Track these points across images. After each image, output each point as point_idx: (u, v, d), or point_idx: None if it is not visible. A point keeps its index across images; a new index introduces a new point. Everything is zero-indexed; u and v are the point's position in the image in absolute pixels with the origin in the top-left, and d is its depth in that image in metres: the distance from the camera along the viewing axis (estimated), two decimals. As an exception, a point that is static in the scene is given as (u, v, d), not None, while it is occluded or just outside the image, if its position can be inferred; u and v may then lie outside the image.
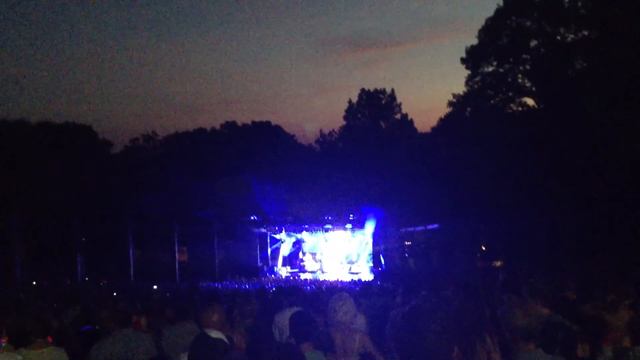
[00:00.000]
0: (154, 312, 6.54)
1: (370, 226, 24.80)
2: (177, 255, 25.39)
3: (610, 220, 20.31)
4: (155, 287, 12.15)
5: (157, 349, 4.39)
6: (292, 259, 27.27)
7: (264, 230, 26.85)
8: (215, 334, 2.99)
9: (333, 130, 47.72)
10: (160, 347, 4.46)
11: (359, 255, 25.89)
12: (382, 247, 25.38)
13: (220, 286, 19.64)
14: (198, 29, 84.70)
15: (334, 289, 11.75)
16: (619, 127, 19.53)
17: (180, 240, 26.11)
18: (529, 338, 3.25)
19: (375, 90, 46.33)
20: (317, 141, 48.57)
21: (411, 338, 1.86)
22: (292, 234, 27.01)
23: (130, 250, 24.48)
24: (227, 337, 4.03)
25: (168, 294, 11.79)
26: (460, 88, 31.57)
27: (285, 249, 27.35)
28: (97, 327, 5.15)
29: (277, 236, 27.18)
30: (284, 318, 5.24)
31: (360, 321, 6.47)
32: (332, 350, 4.20)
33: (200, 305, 4.21)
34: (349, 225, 25.34)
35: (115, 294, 12.35)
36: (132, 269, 24.00)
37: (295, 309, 4.95)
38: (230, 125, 49.77)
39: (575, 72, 24.63)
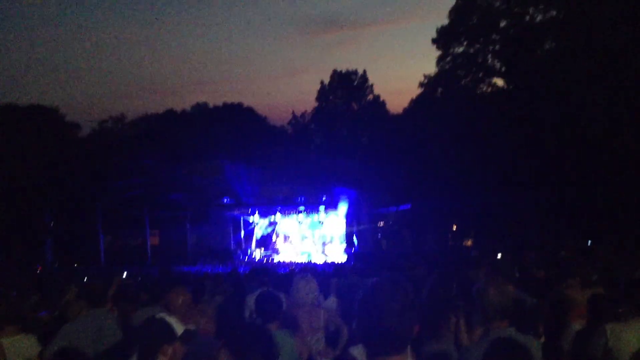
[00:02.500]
0: (124, 296, 6.47)
1: (343, 207, 24.91)
2: (148, 239, 25.16)
3: (577, 199, 20.75)
4: (125, 273, 11.99)
5: (122, 333, 4.33)
6: (266, 242, 27.25)
7: (237, 213, 26.75)
8: (163, 315, 2.96)
9: (305, 111, 47.57)
10: (127, 331, 4.40)
11: (332, 236, 26.00)
12: (355, 228, 25.54)
13: (192, 270, 19.56)
14: (168, 8, 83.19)
15: (306, 270, 11.79)
16: (587, 107, 19.86)
17: (152, 224, 25.86)
18: (502, 316, 3.28)
19: (347, 71, 46.22)
20: (289, 123, 48.39)
21: (371, 316, 1.86)
22: (265, 216, 26.97)
23: (101, 235, 24.16)
24: (194, 321, 4.01)
25: (140, 278, 11.70)
26: (431, 69, 31.72)
27: (258, 232, 27.30)
28: (56, 313, 5.05)
29: (251, 219, 27.10)
30: (254, 299, 5.24)
31: (332, 301, 6.51)
32: (297, 329, 4.23)
33: (165, 288, 4.16)
34: (322, 207, 25.39)
35: (85, 278, 12.18)
36: (102, 254, 23.72)
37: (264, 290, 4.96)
38: (201, 107, 49.19)
39: (544, 52, 24.90)
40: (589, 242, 18.03)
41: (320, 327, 4.51)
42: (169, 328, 2.85)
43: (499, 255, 11.27)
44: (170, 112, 47.81)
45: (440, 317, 4.10)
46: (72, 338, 4.25)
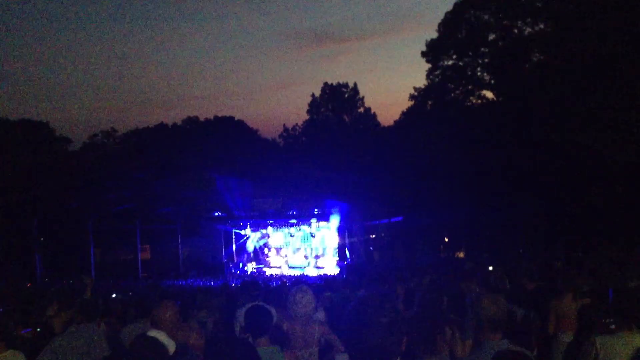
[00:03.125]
0: (113, 312, 6.43)
1: (335, 220, 24.90)
2: (139, 253, 25.02)
3: (568, 211, 20.85)
4: (114, 295, 11.89)
5: (110, 348, 4.29)
6: (258, 255, 27.17)
7: (228, 226, 26.68)
8: (155, 333, 2.92)
9: (297, 124, 47.67)
10: (115, 347, 4.36)
11: (324, 249, 25.96)
12: (347, 240, 25.52)
13: (184, 283, 19.45)
14: (159, 23, 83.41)
15: (298, 283, 11.76)
16: (575, 119, 20.02)
17: (143, 237, 25.73)
18: (495, 328, 3.28)
19: (338, 84, 46.44)
20: (280, 135, 48.45)
21: (359, 330, 1.86)
22: (257, 229, 26.90)
23: (91, 249, 23.98)
24: (184, 335, 3.98)
25: (130, 293, 11.62)
26: (421, 82, 31.89)
27: (250, 245, 27.22)
28: (37, 329, 5.01)
29: (242, 232, 27.03)
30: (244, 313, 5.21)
31: (320, 314, 6.49)
32: (288, 343, 4.19)
33: (154, 303, 4.12)
34: (313, 220, 25.37)
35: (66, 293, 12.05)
36: (93, 268, 23.52)
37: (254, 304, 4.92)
38: (192, 121, 49.19)
39: (532, 64, 25.12)
40: (579, 253, 18.08)
41: (314, 341, 4.47)
42: (162, 347, 2.81)
43: (490, 267, 11.28)
44: (161, 126, 47.78)
45: (434, 330, 4.10)
46: (60, 353, 4.22)
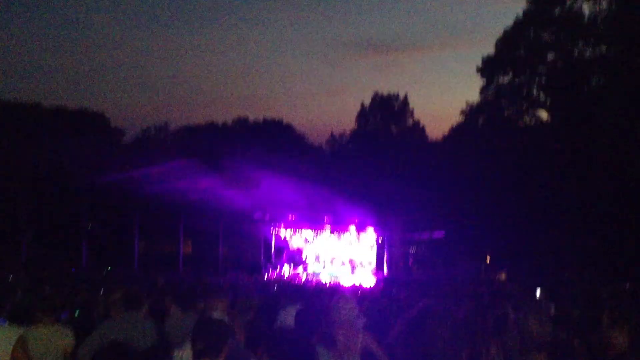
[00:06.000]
0: (159, 300, 6.57)
1: (375, 231, 24.73)
2: (181, 247, 25.48)
3: (619, 236, 20.17)
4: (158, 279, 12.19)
5: (158, 335, 4.38)
6: (296, 259, 27.23)
7: (269, 228, 26.86)
8: (218, 315, 2.96)
9: (344, 132, 47.77)
10: (162, 334, 4.46)
11: (363, 259, 25.80)
12: (386, 252, 25.30)
13: (222, 280, 19.66)
14: (217, 24, 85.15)
15: (336, 290, 11.73)
16: (634, 146, 19.38)
17: (186, 233, 26.18)
18: (540, 348, 3.21)
19: (389, 94, 46.30)
20: (327, 142, 48.62)
21: (419, 342, 1.84)
22: (296, 233, 26.98)
23: (136, 240, 24.57)
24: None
25: (173, 284, 11.83)
26: (473, 97, 31.50)
27: (289, 248, 27.32)
28: (76, 313, 5.16)
29: (282, 235, 27.16)
30: (287, 315, 5.24)
31: (361, 322, 6.45)
32: (334, 347, 4.18)
33: (206, 294, 4.20)
34: (354, 229, 25.27)
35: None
36: (136, 259, 24.09)
37: (299, 307, 4.95)
38: (241, 122, 49.88)
39: (591, 88, 24.47)
40: (628, 284, 17.43)
41: (357, 349, 4.44)
42: (225, 327, 2.84)
43: (538, 290, 11.03)
44: (211, 125, 48.62)
45: (480, 347, 4.04)
46: (107, 337, 4.34)
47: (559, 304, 7.65)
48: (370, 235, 25.01)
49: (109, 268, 21.41)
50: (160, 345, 4.17)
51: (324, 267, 25.88)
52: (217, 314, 3.66)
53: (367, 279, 23.85)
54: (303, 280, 23.75)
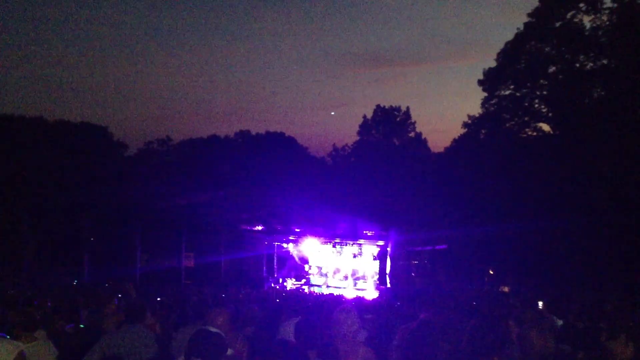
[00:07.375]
0: (160, 313, 6.56)
1: (378, 243, 24.67)
2: (183, 260, 25.43)
3: (622, 250, 20.09)
4: (158, 299, 12.11)
5: (157, 346, 4.37)
6: (298, 271, 27.16)
7: (271, 240, 26.83)
8: (213, 329, 2.96)
9: (346, 144, 47.87)
10: (163, 346, 4.45)
11: (365, 271, 25.71)
12: (389, 264, 25.21)
13: (224, 294, 19.57)
14: (218, 37, 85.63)
15: (338, 303, 11.68)
16: (635, 158, 19.36)
17: (188, 246, 26.14)
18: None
19: (391, 107, 46.48)
20: (329, 154, 48.69)
21: (419, 354, 1.84)
22: (299, 246, 26.94)
23: (138, 253, 24.54)
24: (231, 342, 4.01)
25: (174, 298, 11.77)
26: (475, 110, 31.58)
27: (291, 261, 27.26)
28: (80, 326, 5.15)
29: (285, 248, 27.11)
30: (288, 328, 5.21)
31: (362, 336, 6.41)
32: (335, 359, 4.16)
33: (207, 307, 4.19)
34: (356, 241, 25.22)
35: (119, 295, 12.36)
36: (137, 271, 24.05)
37: (298, 320, 4.92)
38: (244, 134, 49.99)
39: (592, 100, 24.49)
40: (632, 296, 17.33)
41: (358, 362, 4.41)
42: (221, 339, 2.84)
43: (540, 304, 10.97)
44: (213, 137, 48.72)
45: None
46: (109, 350, 4.33)
47: (562, 317, 7.61)
48: (372, 247, 24.94)
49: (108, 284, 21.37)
50: (161, 358, 4.16)
51: (326, 280, 25.79)
52: (216, 327, 3.65)
53: (369, 291, 23.75)
54: (305, 292, 23.65)
